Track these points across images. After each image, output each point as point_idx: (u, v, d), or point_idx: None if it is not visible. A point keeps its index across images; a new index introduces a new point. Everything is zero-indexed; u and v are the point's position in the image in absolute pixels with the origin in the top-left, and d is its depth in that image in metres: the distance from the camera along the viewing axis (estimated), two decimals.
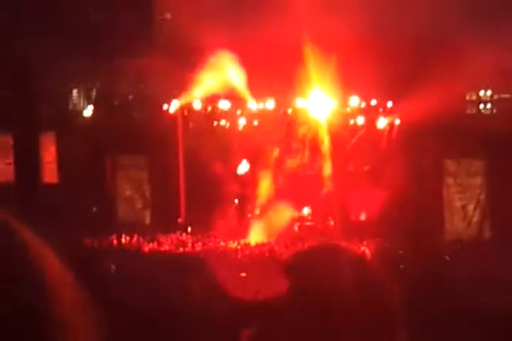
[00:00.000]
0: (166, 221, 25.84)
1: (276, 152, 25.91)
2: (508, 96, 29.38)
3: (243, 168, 26.18)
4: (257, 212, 25.87)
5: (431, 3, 24.41)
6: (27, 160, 26.79)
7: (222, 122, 26.78)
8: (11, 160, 27.22)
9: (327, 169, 25.61)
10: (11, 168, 27.09)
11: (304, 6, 24.23)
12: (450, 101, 23.01)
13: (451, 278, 16.88)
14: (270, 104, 26.14)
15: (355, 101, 25.60)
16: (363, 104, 25.69)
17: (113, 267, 18.01)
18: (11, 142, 27.16)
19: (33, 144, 26.95)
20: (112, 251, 22.12)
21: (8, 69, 26.70)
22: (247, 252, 22.89)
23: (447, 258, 21.25)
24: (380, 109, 25.70)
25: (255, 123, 26.57)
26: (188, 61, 25.14)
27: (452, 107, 23.52)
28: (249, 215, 25.89)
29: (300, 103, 25.73)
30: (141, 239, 24.04)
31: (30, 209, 21.29)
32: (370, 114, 25.81)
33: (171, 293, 14.32)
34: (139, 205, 27.09)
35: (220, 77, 25.69)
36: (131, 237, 24.10)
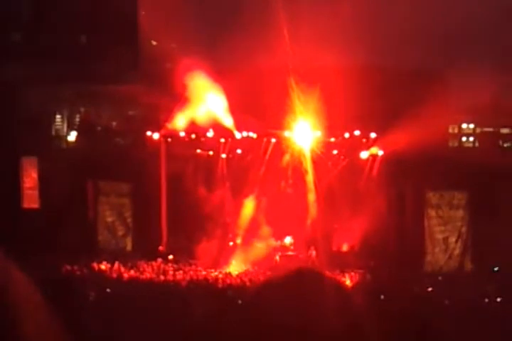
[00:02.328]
0: (147, 248, 25.65)
1: (259, 181, 25.88)
2: (490, 129, 29.59)
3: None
4: (239, 240, 25.77)
5: (415, 38, 24.65)
6: (7, 185, 26.52)
7: (206, 149, 26.78)
8: None
9: (310, 199, 25.60)
10: None
11: (290, 37, 24.44)
12: (433, 134, 23.12)
13: (432, 309, 16.81)
14: (254, 133, 26.18)
15: (339, 131, 25.69)
16: (347, 135, 25.76)
17: (92, 294, 17.81)
18: None
19: (13, 169, 26.73)
20: (91, 278, 21.88)
21: None
22: (228, 281, 22.73)
23: (429, 289, 21.18)
24: (364, 140, 25.78)
25: (239, 151, 26.59)
26: (172, 88, 25.19)
27: (435, 140, 23.62)
28: (231, 244, 25.79)
29: (284, 132, 25.79)
30: (121, 267, 23.82)
31: (10, 235, 21.08)
32: (354, 144, 25.88)
33: (149, 322, 14.17)
34: (120, 232, 26.89)
35: (205, 105, 25.74)
36: (112, 264, 23.89)
